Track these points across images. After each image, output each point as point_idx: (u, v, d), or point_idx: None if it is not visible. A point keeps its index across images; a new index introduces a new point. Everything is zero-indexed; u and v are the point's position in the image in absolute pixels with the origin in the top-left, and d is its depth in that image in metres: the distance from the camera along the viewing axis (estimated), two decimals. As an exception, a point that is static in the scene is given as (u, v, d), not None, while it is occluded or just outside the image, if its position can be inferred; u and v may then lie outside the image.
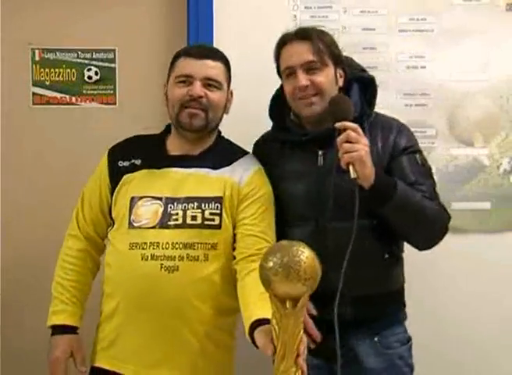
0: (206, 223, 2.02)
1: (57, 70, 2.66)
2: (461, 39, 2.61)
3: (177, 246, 2.00)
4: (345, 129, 1.90)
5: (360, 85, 2.15)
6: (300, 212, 2.11)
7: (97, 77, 2.68)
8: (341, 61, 2.12)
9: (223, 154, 2.12)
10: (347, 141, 1.89)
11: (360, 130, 1.92)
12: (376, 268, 2.06)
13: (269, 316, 1.68)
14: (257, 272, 1.66)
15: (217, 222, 2.03)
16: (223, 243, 2.03)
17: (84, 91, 2.68)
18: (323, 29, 2.16)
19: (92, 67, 2.68)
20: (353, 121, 1.97)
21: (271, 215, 2.09)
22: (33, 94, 2.68)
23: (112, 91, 2.68)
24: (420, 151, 2.12)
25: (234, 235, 2.05)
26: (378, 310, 2.06)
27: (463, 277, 2.62)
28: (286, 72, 2.11)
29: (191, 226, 2.01)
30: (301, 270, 1.62)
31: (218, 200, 2.03)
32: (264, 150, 2.23)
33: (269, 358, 1.66)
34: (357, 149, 1.89)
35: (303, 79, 2.05)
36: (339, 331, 1.86)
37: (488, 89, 2.62)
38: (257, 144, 2.30)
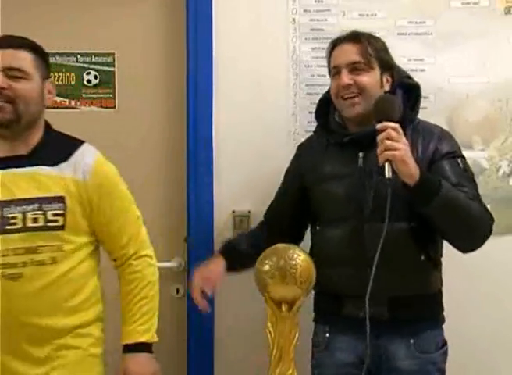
0: (49, 224, 1.90)
1: (56, 74, 2.66)
2: (460, 42, 2.61)
3: (19, 252, 1.88)
4: (386, 128, 1.92)
5: (405, 91, 2.19)
6: (338, 213, 2.13)
7: (97, 81, 2.68)
8: (390, 67, 2.17)
9: (58, 148, 1.99)
10: (388, 139, 1.91)
11: (400, 130, 1.94)
12: (412, 270, 2.07)
13: (144, 339, 1.99)
14: (128, 275, 1.96)
15: (60, 222, 1.92)
16: (71, 243, 1.95)
17: (83, 95, 2.69)
18: (376, 35, 2.22)
19: (91, 71, 2.68)
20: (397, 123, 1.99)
21: (125, 203, 2.07)
22: (33, 97, 2.68)
23: (111, 95, 2.69)
24: (462, 157, 2.15)
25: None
26: (414, 312, 2.08)
27: (462, 280, 2.61)
28: (333, 71, 2.18)
29: (33, 230, 1.89)
30: (297, 273, 1.64)
31: (60, 199, 1.92)
32: (307, 151, 2.29)
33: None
34: (397, 147, 1.91)
35: (345, 77, 2.11)
36: (375, 331, 1.93)
37: (486, 92, 2.61)
38: (301, 146, 2.36)
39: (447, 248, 2.18)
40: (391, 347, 2.11)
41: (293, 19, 2.63)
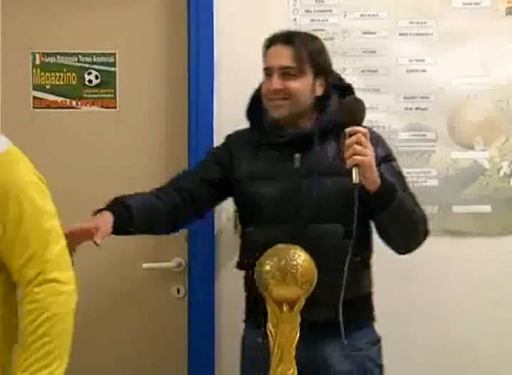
0: None
1: (57, 74, 2.66)
2: (461, 42, 2.61)
3: None
4: (356, 132, 1.92)
5: (340, 93, 2.18)
6: (271, 214, 2.11)
7: (98, 81, 2.68)
8: (323, 71, 2.15)
9: None
10: (357, 144, 1.91)
11: (368, 136, 1.94)
12: (349, 272, 2.01)
13: None
14: (26, 305, 1.55)
15: None
16: None
17: (84, 95, 2.68)
18: (313, 35, 2.21)
19: (92, 71, 2.68)
20: (331, 127, 2.06)
21: (32, 210, 1.63)
22: (34, 97, 2.68)
23: (112, 95, 2.68)
24: (395, 160, 2.18)
25: None
26: (350, 314, 2.01)
27: (463, 281, 2.61)
28: (265, 72, 2.16)
29: None
30: (298, 274, 1.63)
31: None
32: (238, 146, 2.24)
33: None
34: (366, 153, 1.91)
35: (276, 82, 2.10)
36: (311, 335, 1.91)
37: (488, 92, 2.61)
38: (229, 137, 2.32)
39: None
40: (327, 350, 2.09)
41: (294, 20, 2.63)
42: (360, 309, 2.14)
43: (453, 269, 2.62)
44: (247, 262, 2.08)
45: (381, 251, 2.19)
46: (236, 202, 2.28)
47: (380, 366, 2.17)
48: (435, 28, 2.62)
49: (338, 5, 2.63)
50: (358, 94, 2.17)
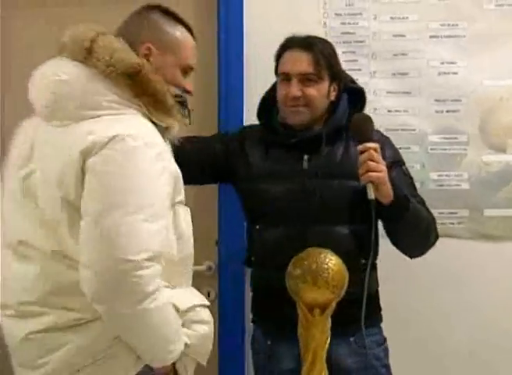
0: None
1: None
2: (493, 44, 2.58)
3: None
4: (368, 149, 1.97)
5: (350, 95, 2.20)
6: (279, 213, 2.14)
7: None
8: (338, 75, 2.17)
9: None
10: (370, 160, 1.95)
11: (379, 149, 1.99)
12: (353, 272, 2.04)
13: None
14: None
15: None
16: None
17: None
18: (325, 39, 2.24)
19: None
20: (339, 130, 2.11)
21: None
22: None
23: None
24: (404, 163, 2.20)
25: None
26: (355, 313, 2.03)
27: (495, 284, 2.59)
28: (281, 76, 2.17)
29: None
30: (329, 277, 1.64)
31: None
32: (249, 138, 2.27)
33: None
34: (380, 169, 1.96)
35: (295, 90, 2.11)
36: None
37: (520, 95, 2.59)
38: (244, 129, 2.36)
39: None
40: (333, 346, 2.06)
41: (324, 23, 2.62)
42: (366, 308, 2.09)
43: (485, 273, 2.59)
44: (255, 260, 2.16)
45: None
46: (243, 199, 2.28)
47: (387, 366, 2.18)
48: (466, 30, 2.59)
49: (368, 8, 2.62)
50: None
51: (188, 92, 1.87)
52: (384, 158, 2.04)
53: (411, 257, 2.17)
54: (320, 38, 2.22)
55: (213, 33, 2.64)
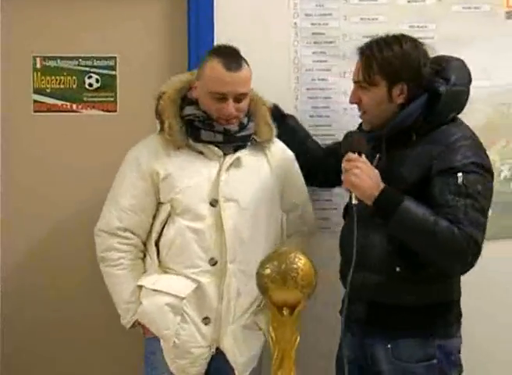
0: None
1: (58, 78, 2.67)
2: (461, 46, 2.59)
3: None
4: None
5: (430, 96, 2.08)
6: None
7: (98, 85, 2.69)
8: (399, 78, 2.06)
9: None
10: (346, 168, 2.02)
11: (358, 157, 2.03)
12: (386, 280, 2.07)
13: None
14: None
15: None
16: None
17: (85, 99, 2.69)
18: (391, 41, 2.10)
19: (93, 75, 2.68)
20: (403, 130, 2.07)
21: None
22: (34, 101, 2.68)
23: (112, 99, 2.69)
24: (467, 172, 1.99)
25: None
26: (390, 320, 2.08)
27: (466, 286, 2.60)
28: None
29: None
30: (299, 277, 1.63)
31: None
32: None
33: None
34: (356, 176, 2.00)
35: (353, 96, 2.15)
36: (359, 331, 2.12)
37: (488, 96, 2.61)
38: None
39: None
40: (372, 348, 2.13)
41: (295, 24, 2.63)
42: (402, 319, 2.08)
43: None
44: None
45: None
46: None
47: None
48: (435, 32, 2.62)
49: (338, 9, 2.63)
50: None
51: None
52: (436, 165, 2.00)
53: (446, 272, 2.07)
54: (380, 42, 2.10)
55: (184, 36, 2.64)
